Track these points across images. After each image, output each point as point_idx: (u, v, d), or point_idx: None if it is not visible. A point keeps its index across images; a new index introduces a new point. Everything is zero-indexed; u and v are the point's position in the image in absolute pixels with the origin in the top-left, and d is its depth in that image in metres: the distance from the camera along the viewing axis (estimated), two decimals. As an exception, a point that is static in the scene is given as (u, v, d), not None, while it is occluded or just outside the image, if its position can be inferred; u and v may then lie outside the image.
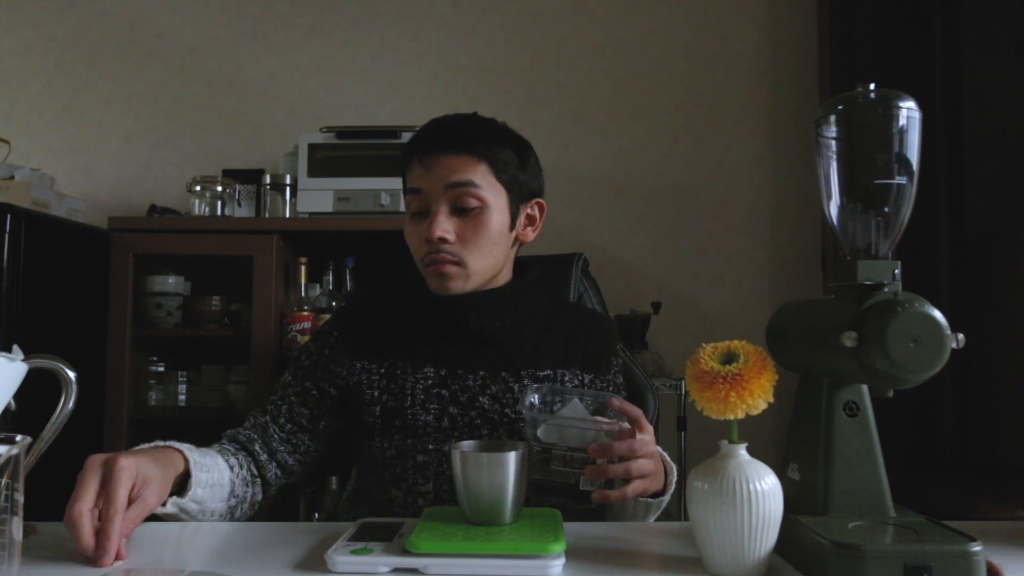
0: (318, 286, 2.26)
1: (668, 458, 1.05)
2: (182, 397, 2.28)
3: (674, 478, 1.04)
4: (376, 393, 1.11)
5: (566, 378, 1.14)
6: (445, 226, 1.08)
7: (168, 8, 2.66)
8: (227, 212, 2.30)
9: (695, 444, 2.14)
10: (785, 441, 0.86)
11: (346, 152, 2.26)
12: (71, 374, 0.84)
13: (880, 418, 0.79)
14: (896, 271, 0.75)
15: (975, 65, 2.36)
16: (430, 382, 1.11)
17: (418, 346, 1.14)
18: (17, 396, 0.79)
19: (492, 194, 1.10)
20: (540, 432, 0.95)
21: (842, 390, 0.79)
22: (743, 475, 0.71)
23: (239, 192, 2.34)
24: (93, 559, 0.74)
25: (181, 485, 0.91)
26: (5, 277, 1.96)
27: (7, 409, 0.78)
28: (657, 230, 2.58)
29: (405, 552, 0.74)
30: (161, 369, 2.29)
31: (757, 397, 0.72)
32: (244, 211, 2.35)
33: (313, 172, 2.24)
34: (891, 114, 0.76)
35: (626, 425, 0.96)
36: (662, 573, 0.77)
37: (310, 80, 2.64)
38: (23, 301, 2.00)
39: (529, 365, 1.13)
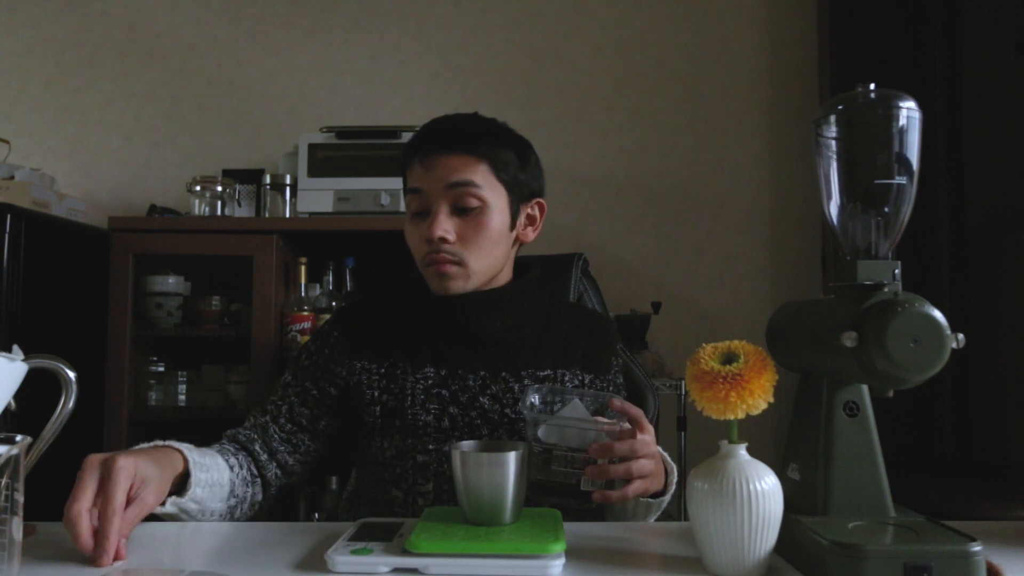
0: (318, 286, 2.26)
1: (668, 458, 1.05)
2: (182, 397, 2.28)
3: (674, 478, 1.04)
4: (376, 393, 1.11)
5: (566, 378, 1.14)
6: (446, 226, 1.08)
7: (168, 8, 2.66)
8: (227, 212, 2.30)
9: (695, 444, 2.14)
10: (785, 441, 0.86)
11: (346, 152, 2.26)
12: (71, 374, 0.84)
13: (880, 418, 0.79)
14: (896, 271, 0.75)
15: (975, 65, 2.36)
16: (430, 382, 1.11)
17: (418, 346, 1.14)
18: (17, 396, 0.79)
19: (492, 194, 1.10)
20: (541, 432, 0.95)
21: (842, 390, 0.79)
22: (743, 475, 0.71)
23: (239, 192, 2.34)
24: (92, 559, 0.74)
25: (180, 485, 0.91)
26: (5, 277, 1.96)
27: (7, 409, 0.78)
28: (657, 230, 2.58)
29: (405, 552, 0.74)
30: (161, 369, 2.29)
31: (757, 397, 0.72)
32: (244, 211, 2.35)
33: (313, 172, 2.24)
34: (891, 114, 0.76)
35: (627, 425, 0.96)
36: (662, 573, 0.77)
37: (310, 80, 2.64)
38: (23, 301, 2.00)
39: (529, 365, 1.13)
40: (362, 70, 2.64)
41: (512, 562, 0.73)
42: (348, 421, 1.15)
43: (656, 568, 0.79)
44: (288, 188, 2.30)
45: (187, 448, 0.93)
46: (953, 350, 0.70)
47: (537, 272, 1.21)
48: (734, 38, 2.61)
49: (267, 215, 2.30)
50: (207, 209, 2.28)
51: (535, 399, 1.01)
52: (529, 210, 1.18)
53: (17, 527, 0.64)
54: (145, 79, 2.64)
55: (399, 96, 2.63)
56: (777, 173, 2.58)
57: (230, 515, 1.01)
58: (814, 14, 2.55)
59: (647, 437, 0.96)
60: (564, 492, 0.94)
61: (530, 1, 2.64)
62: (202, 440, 1.04)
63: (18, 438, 0.65)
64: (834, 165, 0.79)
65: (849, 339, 0.70)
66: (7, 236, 1.96)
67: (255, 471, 1.08)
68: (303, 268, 2.21)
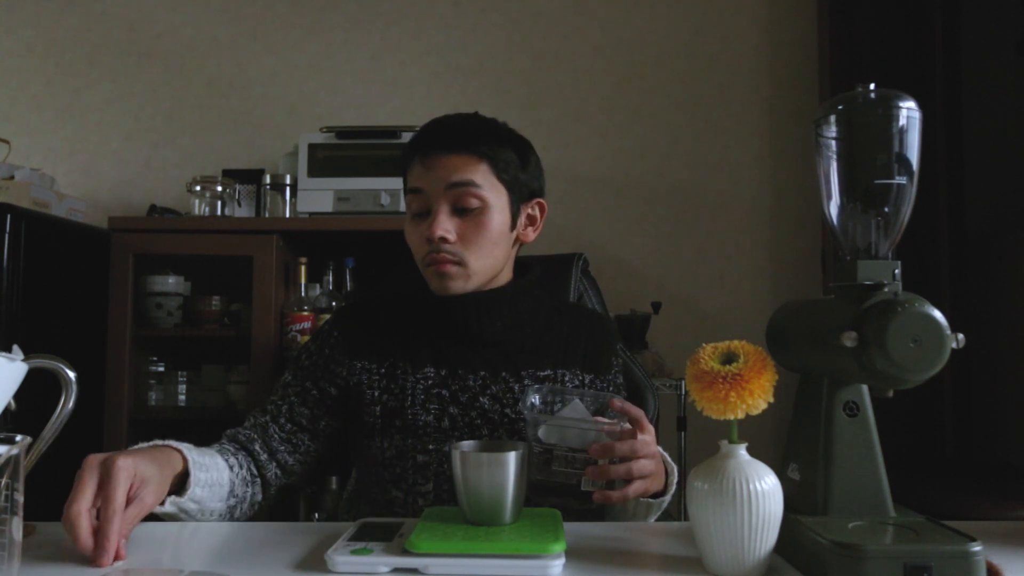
0: (318, 286, 2.26)
1: (669, 458, 1.05)
2: (182, 397, 2.28)
3: (675, 479, 1.04)
4: (376, 393, 1.11)
5: (566, 378, 1.14)
6: (446, 226, 1.08)
7: (168, 8, 2.66)
8: (227, 212, 2.30)
9: (695, 444, 2.14)
10: (785, 441, 0.86)
11: (346, 152, 2.26)
12: (71, 374, 0.84)
13: (880, 418, 0.79)
14: (896, 271, 0.75)
15: (975, 65, 2.36)
16: (430, 382, 1.11)
17: (418, 346, 1.14)
18: (17, 396, 0.79)
19: (493, 194, 1.10)
20: (541, 432, 0.95)
21: (842, 390, 0.79)
22: (743, 475, 0.71)
23: (239, 192, 2.34)
24: (92, 559, 0.74)
25: (180, 485, 0.91)
26: (5, 277, 1.96)
27: (7, 409, 0.78)
28: (657, 230, 2.58)
29: (405, 552, 0.74)
30: (161, 369, 2.29)
31: (757, 397, 0.72)
32: (244, 211, 2.35)
33: (313, 172, 2.24)
34: (891, 114, 0.76)
35: (627, 425, 0.96)
36: (662, 573, 0.77)
37: (310, 80, 2.64)
38: (23, 301, 2.00)
39: (529, 365, 1.13)
40: (362, 70, 2.64)
41: (512, 562, 0.73)
42: (348, 421, 1.15)
43: (656, 568, 0.79)
44: (288, 188, 2.30)
45: (186, 448, 0.93)
46: (953, 350, 0.70)
47: (537, 272, 1.21)
48: (734, 38, 2.61)
49: (267, 215, 2.30)
50: (207, 209, 2.28)
51: (535, 399, 1.01)
52: (529, 210, 1.18)
53: (17, 527, 0.64)
54: (145, 79, 2.64)
55: (399, 96, 2.63)
56: (777, 173, 2.58)
57: (230, 515, 1.01)
58: (814, 14, 2.55)
59: (647, 437, 0.96)
60: (564, 492, 0.94)
61: (530, 1, 2.64)
62: (202, 440, 1.03)
63: (18, 438, 0.65)
64: (834, 165, 0.79)
65: (849, 339, 0.70)
66: (7, 236, 1.96)
67: (255, 471, 1.08)
68: (303, 268, 2.21)
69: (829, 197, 0.79)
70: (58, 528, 0.76)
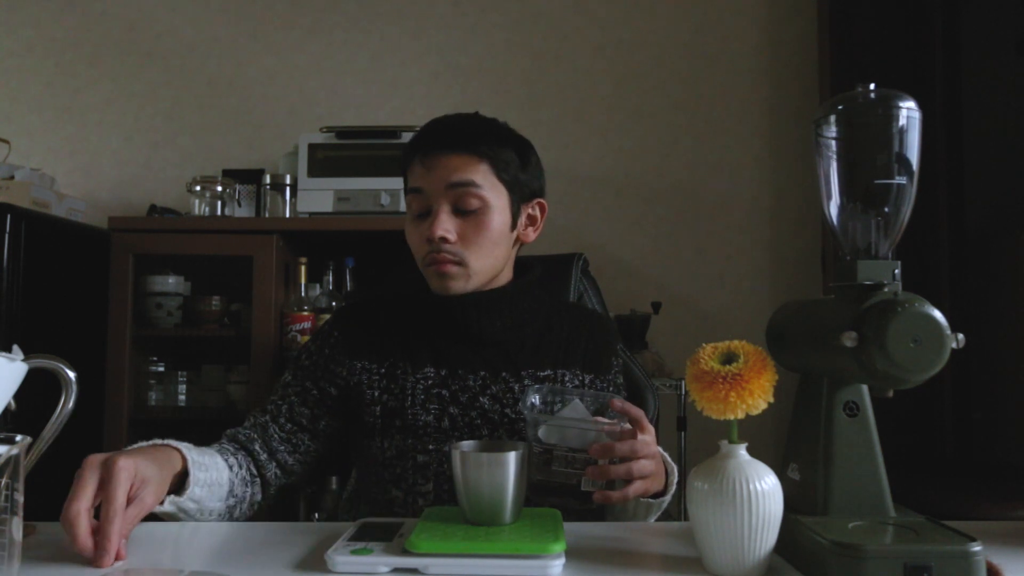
0: (318, 286, 2.26)
1: (669, 459, 1.05)
2: (182, 397, 2.28)
3: (675, 479, 1.04)
4: (376, 393, 1.11)
5: (566, 378, 1.14)
6: (446, 226, 1.08)
7: (168, 8, 2.66)
8: (227, 212, 2.30)
9: (695, 444, 2.14)
10: (785, 441, 0.86)
11: (346, 152, 2.26)
12: (71, 374, 0.84)
13: (880, 418, 0.79)
14: (896, 271, 0.75)
15: (975, 65, 2.36)
16: (430, 382, 1.11)
17: (418, 346, 1.14)
18: (17, 396, 0.79)
19: (493, 194, 1.10)
20: (541, 433, 0.95)
21: (842, 390, 0.79)
22: (743, 475, 0.71)
23: (239, 192, 2.34)
24: (92, 560, 0.74)
25: (179, 484, 0.91)
26: (5, 277, 1.96)
27: (7, 409, 0.78)
28: (657, 230, 2.58)
29: (405, 552, 0.74)
30: (161, 369, 2.29)
31: (757, 397, 0.72)
32: (244, 211, 2.35)
33: (313, 172, 2.24)
34: (891, 114, 0.76)
35: (627, 426, 0.96)
36: (662, 573, 0.77)
37: (310, 80, 2.64)
38: (23, 301, 2.00)
39: (529, 365, 1.13)
40: (362, 70, 2.64)
41: (512, 562, 0.73)
42: (348, 421, 1.15)
43: (656, 568, 0.79)
44: (288, 188, 2.30)
45: (186, 447, 0.93)
46: (953, 350, 0.70)
47: (537, 272, 1.21)
48: (734, 38, 2.61)
49: (267, 215, 2.30)
50: (207, 209, 2.28)
51: (535, 399, 1.01)
52: (530, 210, 1.18)
53: (17, 527, 0.64)
54: (145, 79, 2.64)
55: (399, 96, 2.63)
56: (777, 173, 2.58)
57: (229, 515, 1.01)
58: (814, 14, 2.55)
59: (648, 437, 0.96)
60: (564, 492, 0.94)
61: (530, 1, 2.64)
62: (202, 440, 1.03)
63: (18, 438, 0.65)
64: (834, 165, 0.79)
65: (849, 339, 0.70)
66: (7, 236, 1.96)
67: (254, 471, 1.08)
68: (303, 268, 2.21)
69: (829, 197, 0.79)
70: (58, 528, 0.76)
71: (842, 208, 0.78)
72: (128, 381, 2.13)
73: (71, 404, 0.84)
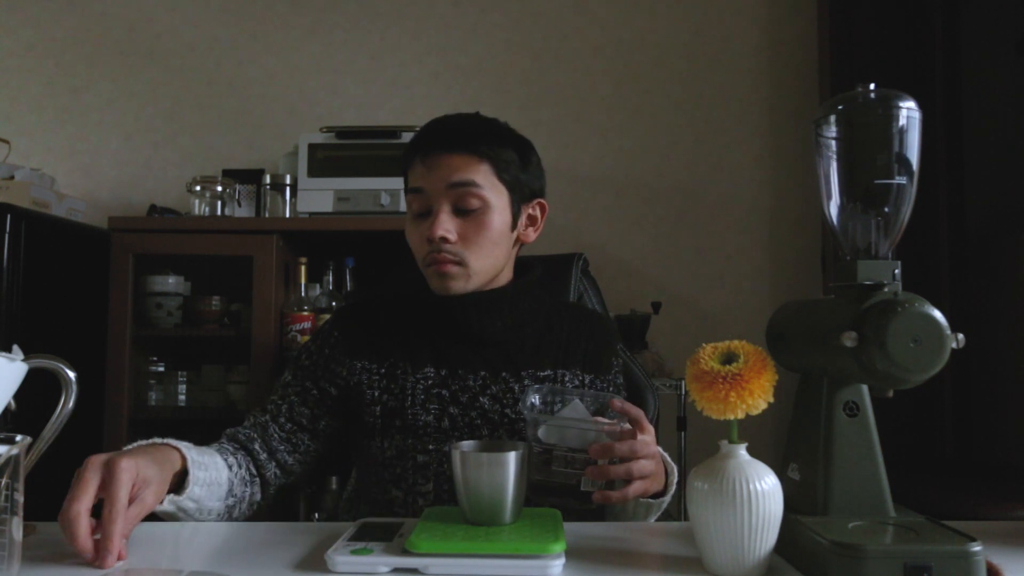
0: (318, 286, 2.26)
1: (669, 459, 1.05)
2: (182, 397, 2.28)
3: (675, 479, 1.04)
4: (376, 393, 1.11)
5: (566, 378, 1.14)
6: (447, 226, 1.08)
7: (168, 8, 2.66)
8: (227, 212, 2.30)
9: (695, 444, 2.14)
10: (785, 441, 0.86)
11: (346, 152, 2.26)
12: (71, 374, 0.84)
13: (880, 418, 0.79)
14: (896, 271, 0.75)
15: (975, 65, 2.36)
16: (430, 382, 1.11)
17: (419, 346, 1.14)
18: (17, 396, 0.79)
19: (494, 194, 1.10)
20: (541, 433, 0.95)
21: (842, 390, 0.79)
22: (743, 475, 0.71)
23: (239, 192, 2.34)
24: (92, 560, 0.74)
25: (178, 483, 0.91)
26: (5, 277, 1.96)
27: (7, 409, 0.78)
28: (657, 230, 2.58)
29: (405, 552, 0.74)
30: (161, 369, 2.29)
31: (757, 397, 0.72)
32: (244, 211, 2.35)
33: (313, 172, 2.24)
34: (891, 114, 0.76)
35: (627, 426, 0.96)
36: (662, 573, 0.77)
37: (310, 80, 2.64)
38: (23, 301, 2.00)
39: (530, 365, 1.13)
40: (362, 70, 2.64)
41: (512, 562, 0.73)
42: (348, 421, 1.15)
43: (656, 568, 0.79)
44: (288, 188, 2.30)
45: (185, 446, 0.93)
46: (953, 350, 0.70)
47: (538, 272, 1.21)
48: (734, 38, 2.61)
49: (267, 215, 2.30)
50: (207, 209, 2.28)
51: (535, 399, 1.01)
52: (530, 210, 1.18)
53: (17, 527, 0.64)
54: (145, 79, 2.64)
55: (399, 96, 2.63)
56: (777, 173, 2.58)
57: (228, 514, 1.01)
58: (814, 14, 2.55)
59: (647, 438, 0.96)
60: (564, 493, 0.94)
61: (530, 1, 2.64)
62: (202, 440, 1.03)
63: (18, 438, 0.65)
64: (834, 165, 0.79)
65: (849, 339, 0.70)
66: (7, 236, 1.96)
67: (254, 470, 1.08)
68: (303, 268, 2.21)
69: (829, 197, 0.79)
70: (58, 528, 0.76)
71: (842, 208, 0.78)
72: (128, 381, 2.13)
73: (71, 404, 0.84)
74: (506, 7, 2.63)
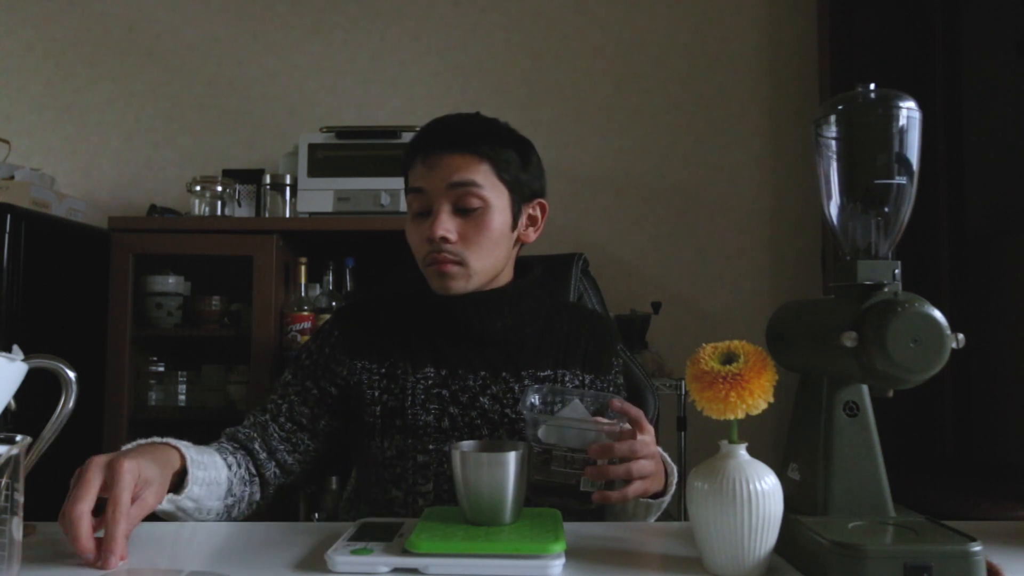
0: (318, 286, 2.26)
1: (668, 459, 1.05)
2: (182, 397, 2.28)
3: (674, 479, 1.04)
4: (376, 393, 1.11)
5: (567, 378, 1.14)
6: (447, 225, 1.08)
7: (168, 8, 2.66)
8: (227, 212, 2.30)
9: (695, 444, 2.14)
10: (785, 441, 0.86)
11: (346, 152, 2.26)
12: (71, 374, 0.84)
13: (880, 418, 0.79)
14: (896, 271, 0.75)
15: (975, 65, 2.36)
16: (431, 382, 1.11)
17: (419, 346, 1.14)
18: (17, 396, 0.79)
19: (494, 194, 1.10)
20: (541, 433, 0.95)
21: (842, 390, 0.79)
22: (743, 475, 0.71)
23: (239, 192, 2.34)
24: (94, 561, 0.74)
25: (178, 483, 0.91)
26: (5, 277, 1.96)
27: (7, 409, 0.78)
28: (657, 230, 2.58)
29: (405, 552, 0.74)
30: (161, 369, 2.29)
31: (757, 397, 0.72)
32: (244, 211, 2.35)
33: (313, 172, 2.24)
34: (891, 114, 0.76)
35: (627, 426, 0.96)
36: (662, 573, 0.77)
37: (310, 80, 2.64)
38: (23, 301, 2.00)
39: (530, 365, 1.13)
40: (362, 70, 2.64)
41: (512, 562, 0.73)
42: (348, 421, 1.15)
43: (656, 568, 0.79)
44: (288, 188, 2.30)
45: (185, 446, 0.93)
46: (953, 350, 0.70)
47: (538, 272, 1.21)
48: (734, 38, 2.61)
49: (267, 215, 2.30)
50: (207, 209, 2.28)
51: (535, 399, 1.01)
52: (531, 210, 1.18)
53: (17, 527, 0.64)
54: (145, 79, 2.64)
55: (399, 96, 2.63)
56: (777, 173, 2.58)
57: (227, 514, 1.01)
58: (814, 14, 2.55)
59: (647, 438, 0.96)
60: (564, 493, 0.94)
61: (530, 1, 2.64)
62: (202, 440, 1.03)
63: (18, 438, 0.65)
64: (834, 165, 0.79)
65: (849, 339, 0.70)
66: (7, 236, 1.96)
67: (253, 470, 1.08)
68: (303, 268, 2.21)
69: (829, 197, 0.79)
70: (58, 528, 0.76)
71: (842, 208, 0.78)
72: (128, 381, 2.13)
73: (71, 404, 0.84)
74: (506, 7, 2.63)
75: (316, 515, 2.08)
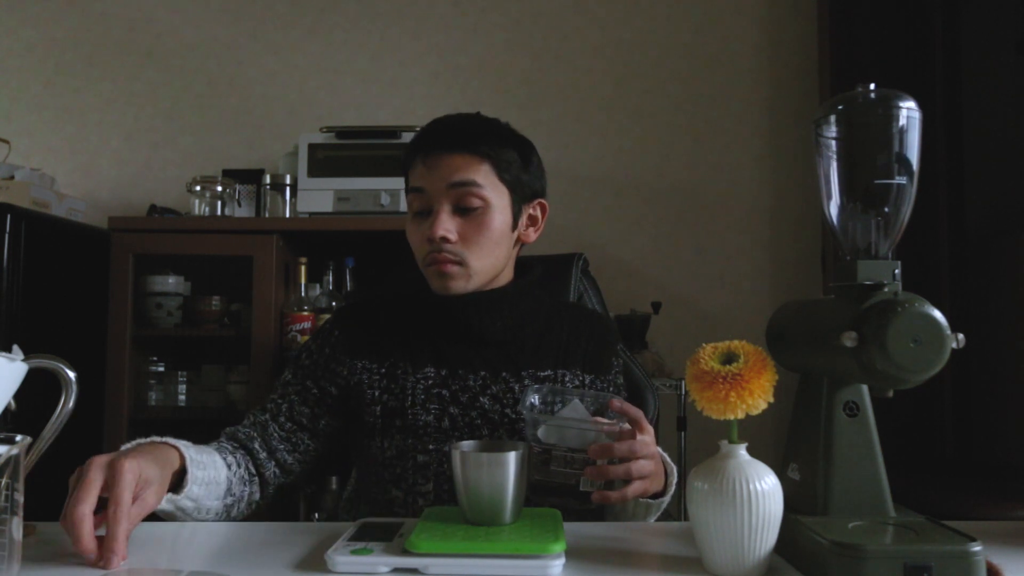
0: (318, 286, 2.26)
1: (668, 459, 1.05)
2: (182, 397, 2.28)
3: (674, 479, 1.04)
4: (376, 393, 1.11)
5: (567, 378, 1.14)
6: (447, 225, 1.08)
7: (168, 8, 2.66)
8: (227, 212, 2.30)
9: (695, 444, 2.14)
10: (785, 441, 0.86)
11: (346, 152, 2.26)
12: (71, 374, 0.84)
13: (880, 418, 0.79)
14: (896, 271, 0.75)
15: (975, 65, 2.36)
16: (431, 382, 1.11)
17: (419, 346, 1.14)
18: (17, 396, 0.79)
19: (495, 194, 1.10)
20: (540, 433, 0.95)
21: (842, 390, 0.79)
22: (743, 475, 0.71)
23: (239, 192, 2.34)
24: (96, 561, 0.74)
25: (177, 482, 0.91)
26: (5, 277, 1.96)
27: (7, 409, 0.78)
28: (657, 230, 2.58)
29: (405, 552, 0.74)
30: (161, 369, 2.29)
31: (757, 397, 0.72)
32: (244, 211, 2.35)
33: (313, 172, 2.24)
34: (891, 114, 0.76)
35: (626, 426, 0.96)
36: (662, 573, 0.77)
37: (310, 80, 2.64)
38: (23, 301, 2.00)
39: (530, 365, 1.13)
40: (362, 70, 2.64)
41: (512, 562, 0.73)
42: (348, 421, 1.15)
43: (656, 568, 0.79)
44: (288, 188, 2.30)
45: (184, 445, 0.93)
46: (953, 350, 0.70)
47: (538, 272, 1.21)
48: (734, 38, 2.61)
49: (267, 215, 2.30)
50: (207, 209, 2.28)
51: (535, 399, 1.01)
52: (531, 210, 1.18)
53: (17, 527, 0.64)
54: (145, 79, 2.64)
55: (399, 96, 2.63)
56: (777, 173, 2.58)
57: (227, 514, 1.01)
58: (814, 14, 2.55)
59: (647, 438, 0.96)
60: (564, 492, 0.94)
61: (530, 1, 2.64)
62: (202, 440, 1.03)
63: (18, 438, 0.65)
64: (834, 165, 0.79)
65: (849, 339, 0.70)
66: (7, 236, 1.96)
67: (253, 470, 1.08)
68: (303, 268, 2.21)
69: (829, 197, 0.79)
70: (58, 528, 0.76)
71: (842, 208, 0.78)
72: (128, 381, 2.13)
73: (71, 404, 0.84)
74: (506, 7, 2.63)
75: (316, 515, 2.08)
